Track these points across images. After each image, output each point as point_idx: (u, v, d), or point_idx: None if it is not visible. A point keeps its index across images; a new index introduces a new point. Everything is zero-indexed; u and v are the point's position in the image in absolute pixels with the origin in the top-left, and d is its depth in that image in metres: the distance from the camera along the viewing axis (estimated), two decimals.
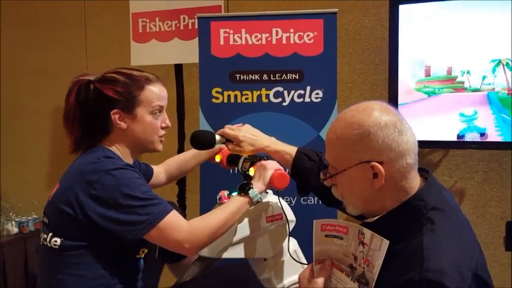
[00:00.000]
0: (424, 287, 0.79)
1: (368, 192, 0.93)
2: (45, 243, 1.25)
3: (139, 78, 1.31)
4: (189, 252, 1.24)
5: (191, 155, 1.72)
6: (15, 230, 2.66)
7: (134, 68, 1.37)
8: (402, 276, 0.82)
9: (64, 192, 1.23)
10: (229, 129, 1.44)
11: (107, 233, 1.19)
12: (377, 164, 0.90)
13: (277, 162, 1.44)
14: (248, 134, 1.42)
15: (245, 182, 1.38)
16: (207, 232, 1.24)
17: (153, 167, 1.67)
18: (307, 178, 1.36)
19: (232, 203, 1.32)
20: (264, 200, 1.48)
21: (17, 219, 2.69)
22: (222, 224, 1.27)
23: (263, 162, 1.41)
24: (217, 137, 1.44)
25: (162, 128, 1.35)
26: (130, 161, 1.35)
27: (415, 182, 0.94)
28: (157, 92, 1.32)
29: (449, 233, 0.87)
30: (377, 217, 0.95)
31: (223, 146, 1.49)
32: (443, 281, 0.78)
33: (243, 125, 1.48)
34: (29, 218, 2.73)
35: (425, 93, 2.13)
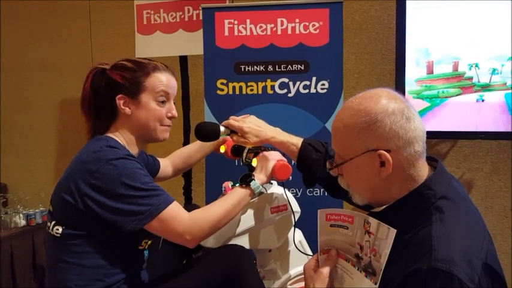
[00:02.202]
0: (433, 276, 0.77)
1: (375, 181, 0.91)
2: (49, 231, 1.27)
3: (146, 65, 1.31)
4: (190, 243, 1.23)
5: (196, 148, 1.71)
6: (23, 222, 2.67)
7: (147, 58, 1.37)
8: (410, 265, 0.81)
9: (65, 180, 1.23)
10: (234, 121, 1.43)
11: (107, 223, 1.19)
12: (384, 152, 0.88)
13: (283, 153, 1.43)
14: (253, 125, 1.40)
15: (247, 173, 1.37)
16: (209, 224, 1.23)
17: (160, 159, 1.66)
18: (313, 169, 1.34)
19: (234, 195, 1.32)
20: (268, 191, 1.48)
21: (25, 212, 2.70)
22: (223, 215, 1.26)
23: (265, 153, 1.40)
24: (222, 129, 1.43)
25: (168, 118, 1.33)
26: (135, 150, 1.34)
27: (423, 170, 0.92)
28: (163, 80, 1.31)
29: (458, 222, 0.86)
30: (384, 206, 0.94)
31: (228, 136, 1.49)
32: (453, 270, 0.77)
33: (249, 116, 1.47)
34: (37, 210, 2.74)
35: (427, 98, 2.01)
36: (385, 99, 0.90)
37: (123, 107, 1.29)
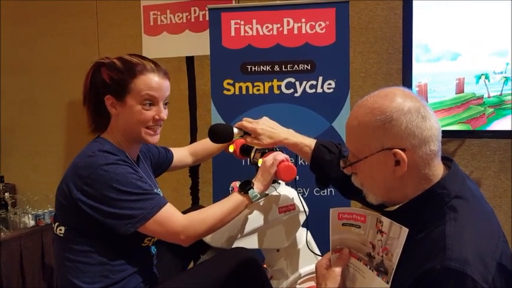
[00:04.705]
0: (447, 276, 0.77)
1: (389, 180, 0.91)
2: (54, 231, 1.30)
3: (134, 66, 1.27)
4: (184, 242, 1.25)
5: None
6: (32, 222, 2.69)
7: (142, 56, 1.34)
8: (424, 265, 0.80)
9: (61, 184, 1.26)
10: (247, 122, 1.43)
11: (103, 225, 1.21)
12: (399, 151, 0.87)
13: (296, 154, 1.43)
14: (266, 127, 1.41)
15: (247, 180, 1.38)
16: (204, 226, 1.26)
17: (177, 149, 1.67)
18: (326, 170, 1.33)
19: (231, 201, 1.33)
20: (277, 191, 1.48)
21: (33, 212, 2.71)
22: (218, 220, 1.28)
23: (265, 159, 1.40)
24: (236, 130, 1.44)
25: (155, 120, 1.29)
26: (130, 149, 1.34)
27: (438, 169, 0.92)
28: (149, 82, 1.26)
29: (472, 222, 0.85)
30: (398, 206, 0.93)
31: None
32: (466, 270, 0.76)
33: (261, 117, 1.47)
34: (45, 211, 2.76)
35: None
36: (401, 98, 0.89)
37: (111, 108, 1.29)
